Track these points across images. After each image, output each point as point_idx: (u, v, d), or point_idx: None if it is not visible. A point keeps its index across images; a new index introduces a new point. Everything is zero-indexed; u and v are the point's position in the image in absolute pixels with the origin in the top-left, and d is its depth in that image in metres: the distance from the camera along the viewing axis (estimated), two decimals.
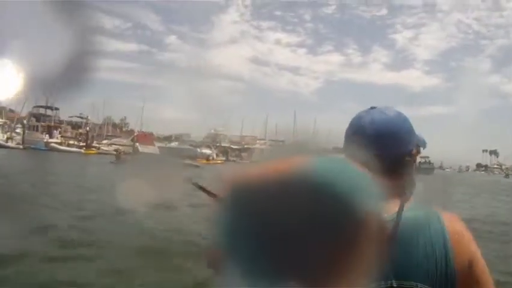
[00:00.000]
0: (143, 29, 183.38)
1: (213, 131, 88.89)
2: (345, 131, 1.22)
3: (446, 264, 1.06)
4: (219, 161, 57.76)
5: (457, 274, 1.06)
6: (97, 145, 62.11)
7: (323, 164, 0.49)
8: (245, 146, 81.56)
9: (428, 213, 1.12)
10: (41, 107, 63.47)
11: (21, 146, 49.65)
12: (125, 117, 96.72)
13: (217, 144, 79.54)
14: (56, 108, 64.22)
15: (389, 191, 0.93)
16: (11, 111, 60.02)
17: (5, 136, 51.71)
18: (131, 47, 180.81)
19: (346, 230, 0.45)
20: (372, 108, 1.24)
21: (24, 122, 57.03)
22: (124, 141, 64.69)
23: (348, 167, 0.50)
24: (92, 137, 67.82)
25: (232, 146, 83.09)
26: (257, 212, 0.47)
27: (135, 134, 69.04)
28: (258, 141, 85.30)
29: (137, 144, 59.44)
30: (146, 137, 66.19)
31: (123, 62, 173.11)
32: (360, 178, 0.49)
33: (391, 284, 1.02)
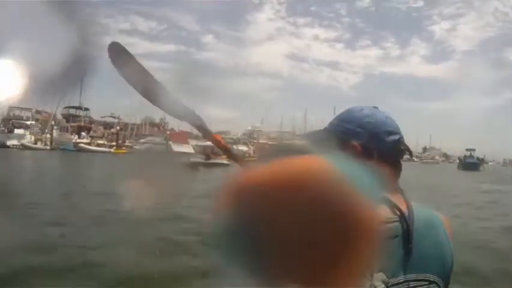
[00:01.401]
0: (179, 29, 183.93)
1: (249, 127, 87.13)
2: (342, 125, 1.23)
3: (450, 258, 1.14)
4: (255, 158, 55.15)
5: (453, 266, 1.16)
6: (129, 144, 60.94)
7: (333, 163, 0.49)
8: (284, 142, 78.88)
9: (430, 212, 1.18)
10: (72, 107, 63.37)
11: (48, 147, 49.00)
12: (164, 116, 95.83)
13: (255, 141, 77.36)
14: (86, 109, 64.09)
15: (391, 187, 1.13)
16: (38, 112, 59.87)
17: (33, 138, 51.17)
18: (169, 47, 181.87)
19: (352, 229, 0.46)
20: (375, 107, 1.28)
21: (53, 123, 56.79)
22: (157, 139, 63.31)
23: (355, 165, 0.50)
24: (124, 136, 67.16)
25: (270, 143, 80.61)
26: (262, 213, 0.46)
27: (167, 132, 67.59)
28: (297, 137, 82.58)
29: (170, 142, 57.85)
30: (180, 136, 64.37)
31: (161, 62, 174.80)
32: (366, 176, 0.49)
33: (408, 277, 1.06)
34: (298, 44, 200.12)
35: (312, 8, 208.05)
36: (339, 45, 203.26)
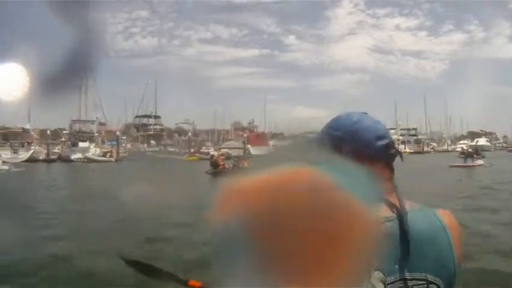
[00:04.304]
0: (260, 33, 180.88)
1: None
2: (331, 132, 1.24)
3: (451, 260, 1.14)
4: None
5: (457, 268, 1.15)
6: (205, 151, 57.27)
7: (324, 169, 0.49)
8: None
9: (429, 212, 1.19)
10: (142, 116, 61.57)
11: (113, 159, 46.60)
12: (252, 119, 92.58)
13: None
14: (157, 117, 61.77)
15: (387, 189, 1.15)
16: (101, 124, 58.25)
17: (98, 150, 49.04)
18: (253, 52, 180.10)
19: (348, 229, 0.46)
20: (364, 113, 1.31)
21: (118, 133, 54.93)
22: (236, 143, 59.30)
23: (349, 169, 0.51)
24: (200, 142, 64.04)
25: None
26: (259, 219, 0.47)
27: (245, 135, 63.27)
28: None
29: (248, 146, 53.59)
30: (259, 137, 60.07)
31: (248, 68, 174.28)
32: (359, 177, 0.50)
33: (404, 276, 1.09)
34: (381, 36, 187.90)
35: None
36: (422, 33, 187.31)
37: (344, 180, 0.47)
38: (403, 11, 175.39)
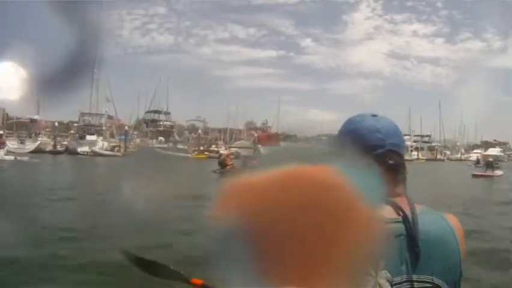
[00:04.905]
0: (277, 34, 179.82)
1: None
2: (345, 133, 1.27)
3: (458, 265, 1.14)
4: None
5: (462, 273, 1.16)
6: (215, 149, 56.47)
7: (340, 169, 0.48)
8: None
9: (438, 216, 1.20)
10: (153, 112, 60.99)
11: (119, 154, 45.94)
12: (266, 120, 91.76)
13: None
14: (167, 113, 61.13)
15: (394, 192, 1.17)
16: (110, 117, 57.57)
17: (105, 144, 48.39)
18: (270, 53, 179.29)
19: (348, 230, 0.46)
20: (374, 115, 1.31)
21: (126, 128, 54.23)
22: (247, 143, 58.40)
23: (354, 168, 0.50)
24: (210, 140, 63.29)
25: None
26: (262, 217, 0.46)
27: (255, 134, 62.35)
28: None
29: (259, 145, 52.57)
30: (270, 138, 59.02)
31: (264, 68, 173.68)
32: (366, 178, 0.50)
33: (411, 277, 1.09)
34: (398, 42, 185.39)
35: (409, 4, 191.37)
36: (439, 40, 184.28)
37: (348, 179, 0.47)
38: (421, 17, 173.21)
